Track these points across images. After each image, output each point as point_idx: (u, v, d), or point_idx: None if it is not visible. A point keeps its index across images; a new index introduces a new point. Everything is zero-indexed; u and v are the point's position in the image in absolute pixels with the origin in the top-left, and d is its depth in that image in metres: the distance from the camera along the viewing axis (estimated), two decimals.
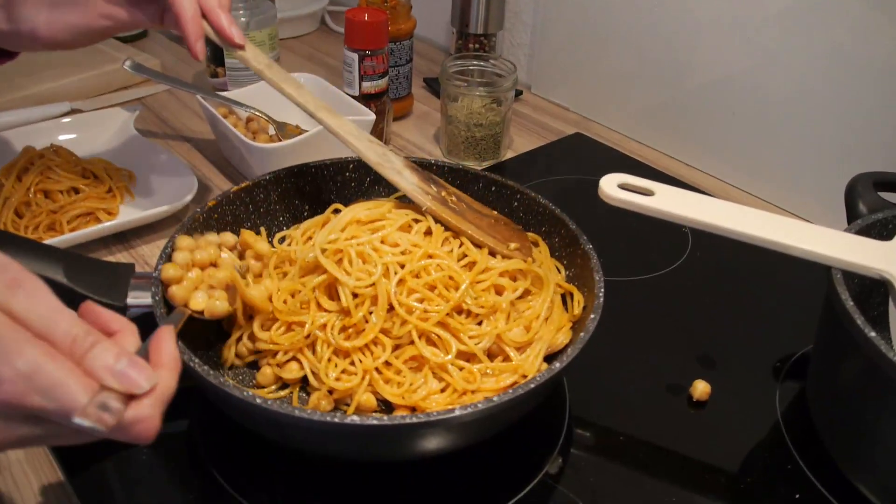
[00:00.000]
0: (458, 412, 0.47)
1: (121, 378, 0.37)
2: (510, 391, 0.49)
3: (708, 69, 0.91)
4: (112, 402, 0.36)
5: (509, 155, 0.96)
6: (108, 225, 0.74)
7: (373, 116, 0.84)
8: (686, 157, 0.97)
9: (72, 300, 0.56)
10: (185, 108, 1.03)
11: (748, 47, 0.86)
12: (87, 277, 0.56)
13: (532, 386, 0.50)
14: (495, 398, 0.49)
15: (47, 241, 0.70)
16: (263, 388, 0.59)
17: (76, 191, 0.77)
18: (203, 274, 0.58)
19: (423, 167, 0.73)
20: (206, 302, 0.56)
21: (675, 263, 0.79)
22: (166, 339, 0.42)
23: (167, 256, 0.59)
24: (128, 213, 0.79)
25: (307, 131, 0.90)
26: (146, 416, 0.38)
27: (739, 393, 0.64)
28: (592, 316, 0.56)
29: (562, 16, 1.05)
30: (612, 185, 0.61)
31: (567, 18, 1.04)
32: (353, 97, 0.90)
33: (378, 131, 0.92)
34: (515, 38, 1.12)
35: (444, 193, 0.65)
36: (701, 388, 0.63)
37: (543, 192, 0.70)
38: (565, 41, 1.06)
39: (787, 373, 0.67)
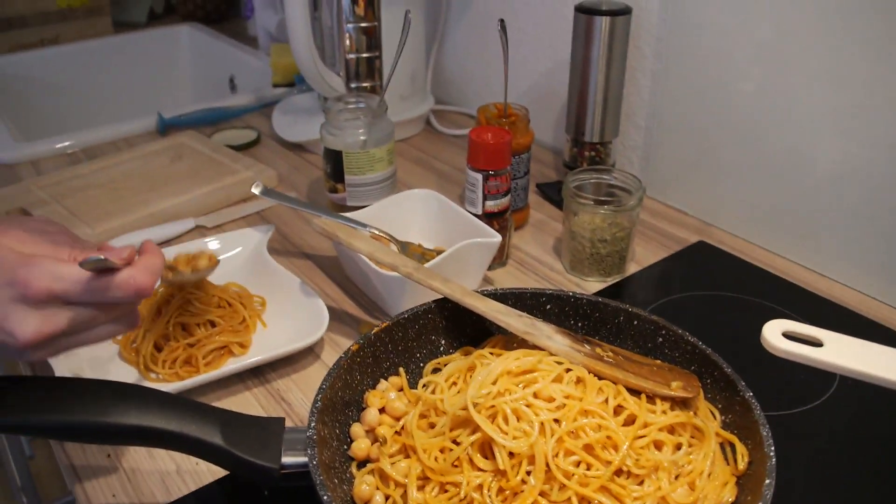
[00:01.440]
0: None
1: (108, 253, 0.53)
2: None
3: (830, 163, 0.87)
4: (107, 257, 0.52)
5: (633, 268, 0.94)
6: (243, 364, 0.74)
7: (499, 238, 0.83)
8: (817, 266, 0.93)
9: (227, 461, 0.56)
10: (303, 221, 1.05)
11: (874, 139, 0.83)
12: (241, 438, 0.56)
13: None
14: None
15: (187, 381, 0.71)
16: None
17: (212, 323, 0.78)
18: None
19: (562, 301, 0.72)
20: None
21: (823, 396, 0.74)
22: (149, 243, 0.59)
23: (317, 411, 0.58)
24: (260, 344, 0.80)
25: (429, 249, 0.90)
26: (137, 274, 0.54)
27: None
28: (767, 481, 0.53)
29: (675, 117, 1.03)
30: (776, 335, 0.58)
31: (680, 119, 1.02)
32: (477, 215, 0.89)
33: (500, 247, 0.91)
34: (628, 141, 1.10)
35: (598, 350, 0.64)
36: None
37: (674, 312, 0.68)
38: (679, 142, 1.04)
39: None
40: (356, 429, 0.63)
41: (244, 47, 1.69)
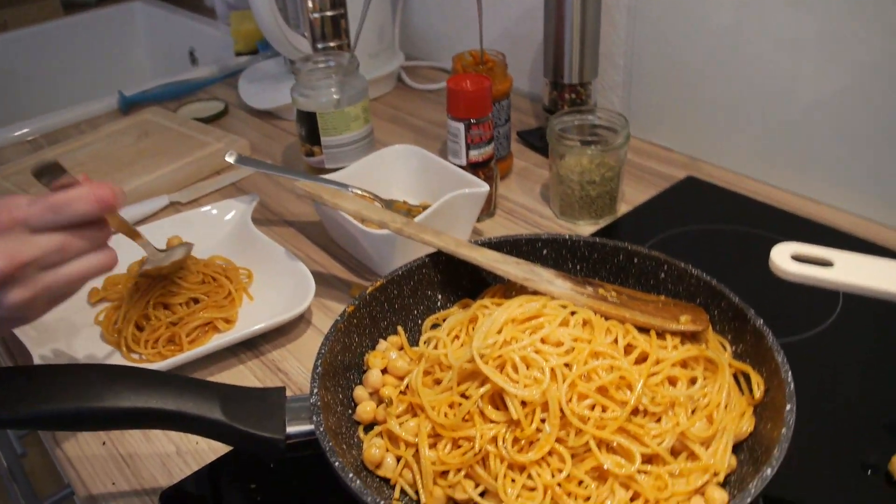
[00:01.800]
0: None
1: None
2: None
3: (812, 88, 0.86)
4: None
5: (624, 209, 0.92)
6: (229, 339, 0.71)
7: (487, 188, 0.81)
8: (810, 192, 0.91)
9: (230, 436, 0.53)
10: (280, 188, 1.02)
11: (855, 61, 0.81)
12: (242, 411, 0.54)
13: (749, 500, 0.45)
14: None
15: (171, 360, 0.69)
16: None
17: (195, 300, 0.75)
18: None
19: (558, 244, 0.70)
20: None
21: (829, 320, 0.73)
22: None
23: (319, 376, 0.56)
24: (248, 317, 0.77)
25: (414, 205, 0.87)
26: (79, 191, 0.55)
27: None
28: (788, 407, 0.52)
29: (653, 53, 1.01)
30: (784, 258, 0.56)
31: (659, 55, 1.00)
32: (461, 166, 0.87)
33: (487, 198, 0.89)
34: (608, 82, 1.08)
35: (601, 291, 0.62)
36: None
37: (670, 247, 0.67)
38: (660, 78, 1.02)
39: None
40: (360, 392, 0.61)
41: (201, 18, 1.64)
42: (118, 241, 0.79)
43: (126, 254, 0.78)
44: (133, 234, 0.72)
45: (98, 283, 0.81)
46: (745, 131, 0.95)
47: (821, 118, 0.87)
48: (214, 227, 0.87)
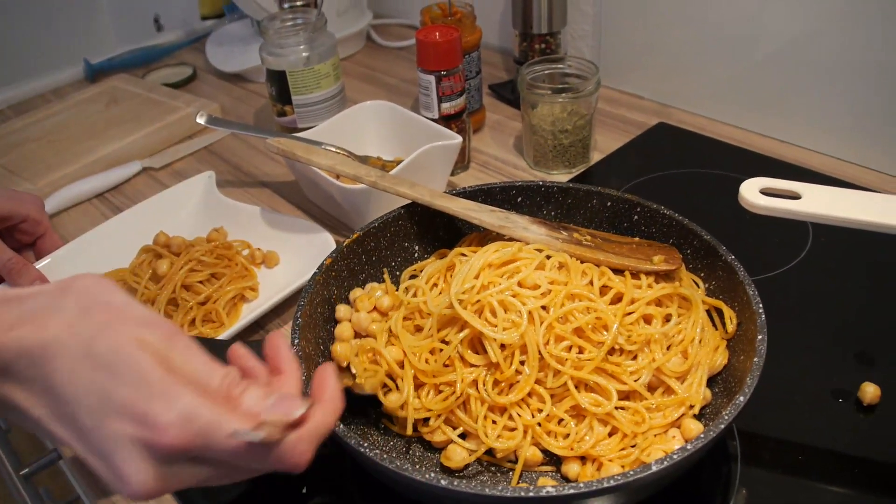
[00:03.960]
0: (662, 465, 0.44)
1: (273, 409, 0.39)
2: (704, 435, 0.46)
3: (780, 29, 0.86)
4: (268, 428, 0.38)
5: (597, 157, 0.92)
6: (267, 305, 0.71)
7: (460, 140, 0.81)
8: (781, 134, 0.92)
9: None
10: (253, 150, 1.01)
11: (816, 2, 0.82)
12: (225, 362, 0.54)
13: (723, 425, 0.47)
14: (689, 445, 0.46)
15: (220, 337, 0.69)
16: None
17: (214, 276, 0.75)
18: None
19: (532, 191, 0.70)
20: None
21: (801, 254, 0.75)
22: (328, 377, 0.43)
23: (299, 328, 0.57)
24: (267, 284, 0.77)
25: (389, 161, 0.87)
26: (300, 445, 0.39)
27: None
28: (759, 337, 0.53)
29: (621, 1, 1.00)
30: (753, 192, 0.57)
31: (627, 2, 1.00)
32: (433, 120, 0.87)
33: (461, 150, 0.89)
34: (577, 31, 1.07)
35: (576, 235, 0.63)
36: (871, 392, 0.59)
37: (643, 193, 0.68)
38: (628, 26, 1.02)
39: None
40: (341, 329, 0.62)
41: None
42: (113, 241, 0.79)
43: (118, 251, 0.78)
44: None
45: None
46: (714, 76, 0.95)
47: (787, 60, 0.87)
48: (181, 208, 0.85)
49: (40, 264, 0.76)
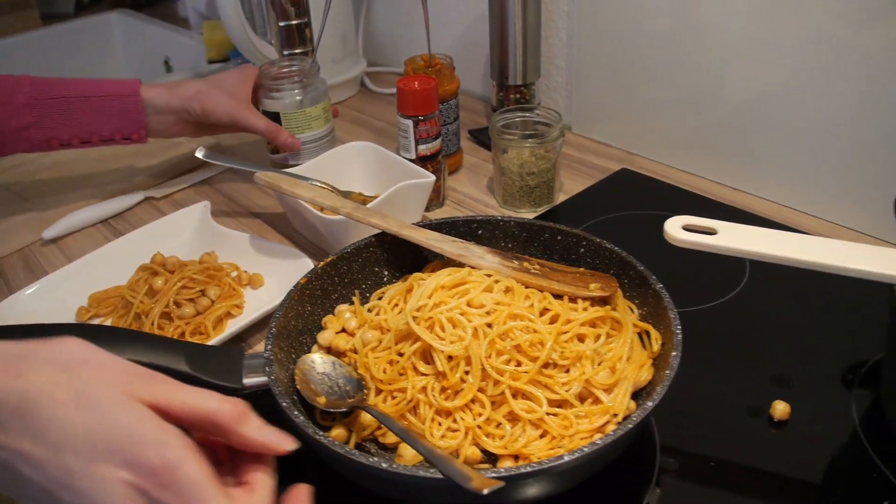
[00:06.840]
0: (574, 455, 0.51)
1: None
2: (614, 432, 0.53)
3: (741, 89, 0.95)
4: None
5: (562, 198, 1.01)
6: (254, 317, 0.79)
7: (433, 178, 0.89)
8: (733, 181, 1.01)
9: (194, 384, 0.61)
10: (248, 184, 1.09)
11: (778, 66, 0.90)
12: (206, 365, 0.61)
13: (631, 426, 0.54)
14: (599, 441, 0.53)
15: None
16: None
17: (202, 293, 0.82)
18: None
19: (492, 225, 0.78)
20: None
21: (736, 289, 0.82)
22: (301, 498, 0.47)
23: (273, 336, 0.64)
24: (252, 303, 0.85)
25: (369, 196, 0.96)
26: None
27: (817, 407, 0.67)
28: (674, 353, 0.60)
29: (593, 56, 1.09)
30: (676, 228, 0.65)
31: (598, 58, 1.09)
32: (411, 160, 0.95)
33: (436, 189, 0.97)
34: (551, 83, 1.17)
35: (525, 264, 0.70)
36: (781, 409, 0.66)
37: (601, 231, 0.74)
38: (599, 80, 1.11)
39: (859, 382, 0.70)
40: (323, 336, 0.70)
41: (176, 28, 1.72)
42: (113, 261, 0.87)
43: (118, 271, 0.86)
44: None
45: (82, 301, 0.84)
46: (676, 127, 1.04)
47: (744, 116, 0.96)
48: (180, 235, 0.93)
49: (36, 285, 0.83)
